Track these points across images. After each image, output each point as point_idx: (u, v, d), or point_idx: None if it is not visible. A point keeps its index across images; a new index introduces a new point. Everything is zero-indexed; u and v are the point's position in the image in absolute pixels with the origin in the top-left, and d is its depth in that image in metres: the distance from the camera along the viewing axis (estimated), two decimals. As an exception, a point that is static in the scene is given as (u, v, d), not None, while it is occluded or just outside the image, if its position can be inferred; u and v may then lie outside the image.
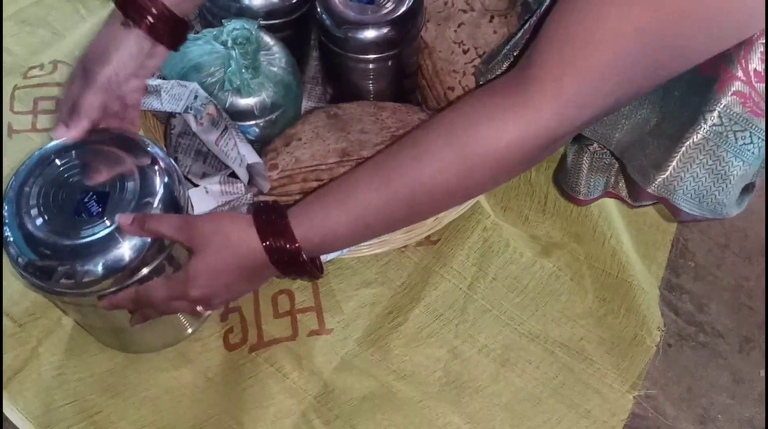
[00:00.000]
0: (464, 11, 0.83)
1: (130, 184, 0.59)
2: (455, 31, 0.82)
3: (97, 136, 0.62)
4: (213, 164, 0.73)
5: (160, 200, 0.59)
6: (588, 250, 0.82)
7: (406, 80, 0.84)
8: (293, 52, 0.78)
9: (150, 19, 0.59)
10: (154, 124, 0.78)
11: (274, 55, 0.74)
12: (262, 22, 0.74)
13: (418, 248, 0.80)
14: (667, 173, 0.57)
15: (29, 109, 0.90)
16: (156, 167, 0.61)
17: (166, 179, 0.60)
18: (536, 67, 0.49)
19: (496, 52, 0.75)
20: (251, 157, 0.68)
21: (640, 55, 0.46)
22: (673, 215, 0.61)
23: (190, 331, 0.74)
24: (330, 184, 0.57)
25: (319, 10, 0.76)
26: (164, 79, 0.70)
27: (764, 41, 0.49)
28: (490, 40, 0.80)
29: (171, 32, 0.62)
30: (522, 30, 0.67)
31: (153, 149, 0.62)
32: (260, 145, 0.74)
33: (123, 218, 0.57)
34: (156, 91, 0.68)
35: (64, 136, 0.61)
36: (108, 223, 0.57)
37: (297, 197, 0.73)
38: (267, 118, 0.73)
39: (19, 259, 0.57)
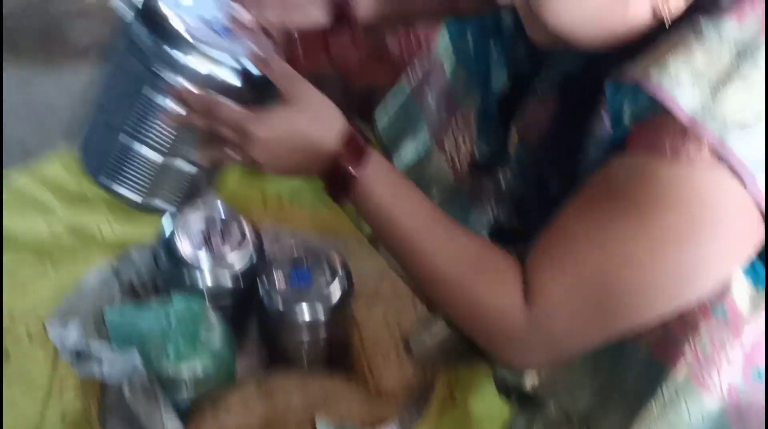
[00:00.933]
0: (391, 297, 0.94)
1: None
2: (382, 310, 0.92)
3: None
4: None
5: None
6: None
7: (337, 352, 0.92)
8: (235, 322, 0.86)
9: None
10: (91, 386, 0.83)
11: (213, 329, 0.82)
12: (208, 296, 0.83)
13: None
14: None
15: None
16: None
17: None
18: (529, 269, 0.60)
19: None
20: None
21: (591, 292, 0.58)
22: None
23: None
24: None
25: (261, 288, 0.85)
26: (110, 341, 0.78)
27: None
28: (413, 320, 0.90)
29: (338, 17, 0.78)
30: None
31: None
32: (190, 411, 0.79)
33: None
34: (97, 359, 0.74)
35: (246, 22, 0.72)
36: None
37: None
38: (198, 388, 0.79)
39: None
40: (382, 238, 0.68)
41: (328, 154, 0.64)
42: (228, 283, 0.87)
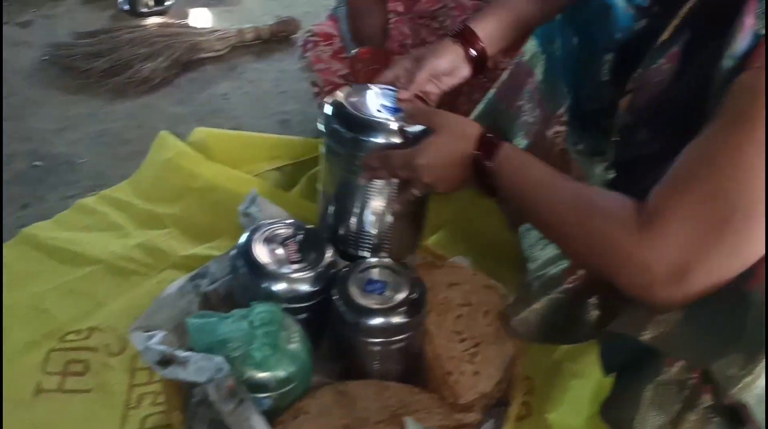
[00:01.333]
0: (462, 305, 0.93)
1: None
2: (454, 321, 0.92)
3: None
4: (225, 435, 0.77)
5: None
6: None
7: (411, 363, 0.92)
8: (311, 331, 0.87)
9: (472, 50, 0.91)
10: (175, 391, 0.84)
11: (293, 334, 0.83)
12: (285, 306, 0.84)
13: None
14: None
15: (59, 370, 0.97)
16: None
17: None
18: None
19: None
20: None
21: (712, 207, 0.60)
22: None
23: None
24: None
25: (336, 297, 0.86)
26: (192, 351, 0.79)
27: None
28: (485, 332, 0.90)
29: (478, 65, 0.93)
30: None
31: None
32: (271, 414, 0.79)
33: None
34: (184, 363, 0.76)
35: (406, 96, 0.89)
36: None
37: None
38: (280, 391, 0.79)
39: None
40: (525, 211, 0.79)
41: (469, 157, 0.78)
42: (303, 292, 0.88)
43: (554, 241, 0.80)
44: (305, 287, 0.87)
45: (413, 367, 0.92)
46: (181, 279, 0.94)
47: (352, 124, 0.86)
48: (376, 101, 0.90)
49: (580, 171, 0.97)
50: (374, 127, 0.85)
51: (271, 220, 0.94)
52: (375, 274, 0.89)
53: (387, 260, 0.91)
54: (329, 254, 0.91)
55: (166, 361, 0.77)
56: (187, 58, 1.76)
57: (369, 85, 0.94)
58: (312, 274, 0.88)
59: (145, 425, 0.91)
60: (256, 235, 0.90)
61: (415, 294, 0.87)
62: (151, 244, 1.17)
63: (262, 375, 0.78)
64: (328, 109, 0.89)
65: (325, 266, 0.89)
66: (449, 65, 0.93)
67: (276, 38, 1.92)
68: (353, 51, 1.33)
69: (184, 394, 0.83)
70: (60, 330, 1.03)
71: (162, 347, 0.77)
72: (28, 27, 1.93)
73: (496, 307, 0.92)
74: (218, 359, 0.75)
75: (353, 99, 0.89)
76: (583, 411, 0.93)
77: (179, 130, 1.39)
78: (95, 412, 0.92)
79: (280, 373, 0.78)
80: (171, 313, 0.90)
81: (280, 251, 0.89)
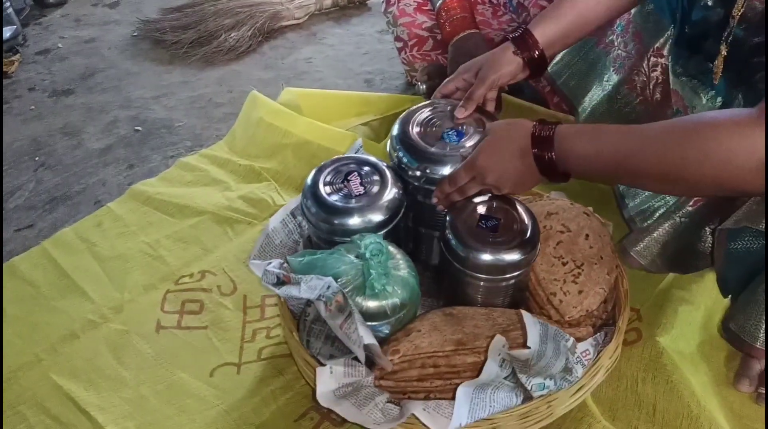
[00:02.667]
0: (561, 232, 0.93)
1: None
2: (554, 247, 0.91)
3: None
4: (339, 348, 0.80)
5: None
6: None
7: (517, 296, 0.92)
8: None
9: (529, 55, 0.93)
10: (290, 315, 0.88)
11: (399, 261, 0.85)
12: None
13: (527, 447, 0.82)
14: None
15: (177, 309, 1.03)
16: None
17: None
18: None
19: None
20: (368, 338, 0.75)
21: None
22: None
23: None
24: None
25: (447, 231, 0.84)
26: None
27: None
28: (587, 253, 0.89)
29: (536, 69, 0.95)
30: None
31: None
32: (385, 340, 0.81)
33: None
34: (297, 283, 0.79)
35: (464, 115, 0.91)
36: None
37: (415, 383, 0.79)
38: (396, 317, 0.81)
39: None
40: (614, 178, 0.81)
41: (528, 155, 0.79)
42: (373, 224, 0.86)
43: (658, 187, 0.78)
44: (378, 218, 0.86)
45: (519, 298, 0.92)
46: (281, 212, 0.96)
47: (419, 156, 0.88)
48: (439, 124, 0.91)
49: (682, 101, 0.96)
50: (440, 160, 0.87)
51: (334, 159, 0.93)
52: (489, 209, 0.86)
53: (502, 197, 0.87)
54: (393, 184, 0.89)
55: (281, 282, 0.80)
56: (270, 27, 1.81)
57: (432, 100, 0.97)
58: (378, 206, 0.86)
59: (262, 355, 0.95)
60: (322, 175, 0.90)
61: (528, 230, 0.84)
62: (253, 196, 1.22)
63: (379, 304, 0.79)
64: (395, 131, 0.91)
65: (390, 198, 0.88)
66: (508, 77, 0.95)
67: (352, 4, 1.95)
68: (439, 1, 1.34)
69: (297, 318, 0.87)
70: (174, 274, 1.09)
71: (278, 270, 0.81)
72: (116, 7, 2.02)
73: (597, 230, 0.91)
74: (327, 278, 0.78)
75: (417, 125, 0.91)
76: (694, 337, 0.92)
77: (267, 93, 1.43)
78: (214, 345, 0.97)
79: (395, 300, 0.80)
80: (281, 250, 0.94)
81: (344, 185, 0.88)
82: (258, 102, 1.40)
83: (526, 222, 0.84)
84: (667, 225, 0.89)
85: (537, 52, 0.94)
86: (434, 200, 0.87)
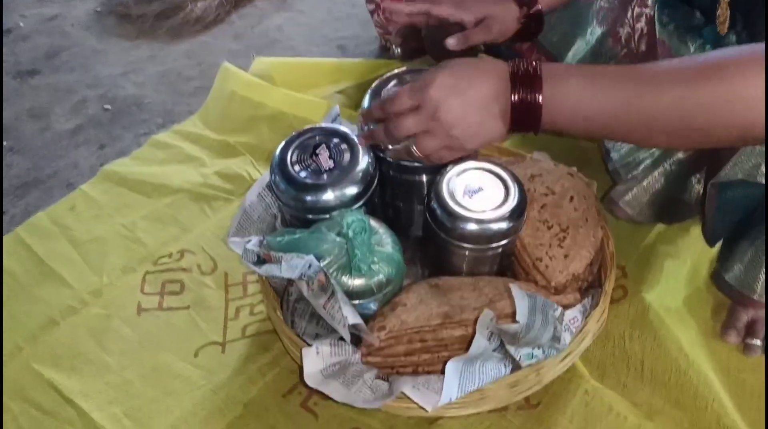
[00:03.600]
0: (545, 195, 0.92)
1: None
2: (539, 211, 0.90)
3: None
4: (325, 326, 0.79)
5: None
6: (692, 417, 0.81)
7: (504, 264, 0.89)
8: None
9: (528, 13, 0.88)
10: (272, 294, 0.86)
11: (382, 236, 0.82)
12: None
13: (519, 412, 0.82)
14: None
15: (157, 290, 1.01)
16: None
17: None
18: None
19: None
20: (353, 318, 0.73)
21: None
22: None
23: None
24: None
25: (431, 200, 0.81)
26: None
27: None
28: (573, 216, 0.88)
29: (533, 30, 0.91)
30: None
31: None
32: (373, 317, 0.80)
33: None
34: (278, 261, 0.77)
35: (457, 47, 0.85)
36: None
37: (403, 358, 0.78)
38: (383, 293, 0.80)
39: None
40: (601, 132, 0.67)
41: (501, 93, 0.64)
42: (351, 195, 0.82)
43: (665, 139, 0.65)
44: (350, 190, 0.82)
45: (505, 266, 0.91)
46: (256, 186, 0.94)
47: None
48: None
49: (669, 52, 0.93)
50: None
51: (300, 131, 0.89)
52: (474, 177, 0.82)
53: (486, 163, 0.84)
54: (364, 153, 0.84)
55: (262, 261, 0.78)
56: (238, -6, 1.76)
57: (399, 70, 0.89)
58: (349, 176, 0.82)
59: (246, 332, 0.94)
60: (288, 151, 0.85)
61: (516, 197, 0.81)
62: (229, 171, 1.19)
63: (365, 282, 0.78)
64: (365, 103, 0.85)
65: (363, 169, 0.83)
66: (508, 35, 0.89)
67: (323, -32, 1.89)
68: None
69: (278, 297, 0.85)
70: (152, 255, 1.06)
71: (258, 248, 0.79)
72: (79, -19, 1.95)
73: (581, 192, 0.90)
74: (308, 256, 0.76)
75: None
76: (680, 291, 0.92)
77: (238, 64, 1.39)
78: (197, 325, 0.96)
79: (381, 277, 0.78)
80: (260, 225, 0.92)
81: (313, 160, 0.84)
82: (230, 74, 1.36)
83: (513, 188, 0.82)
84: (656, 173, 0.87)
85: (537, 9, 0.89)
86: (359, 122, 0.80)
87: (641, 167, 0.91)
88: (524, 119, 0.65)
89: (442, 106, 0.66)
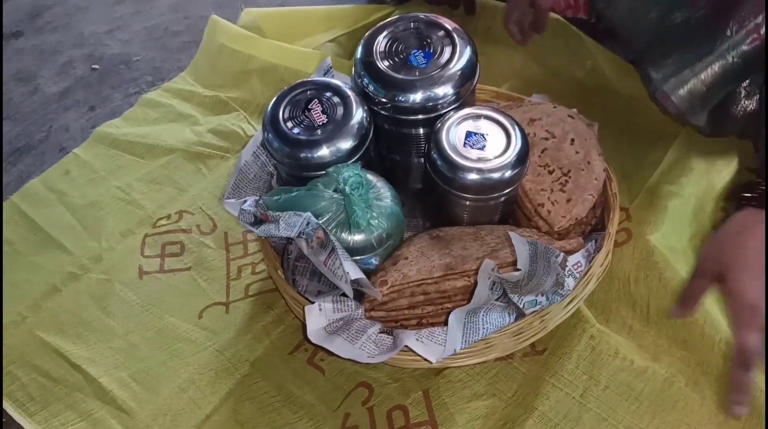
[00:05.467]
0: (546, 139, 0.90)
1: None
2: (539, 156, 0.88)
3: None
4: (326, 283, 0.78)
5: None
6: (699, 356, 0.81)
7: (506, 211, 0.88)
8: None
9: None
10: (273, 253, 0.85)
11: (380, 190, 0.80)
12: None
13: (525, 359, 0.82)
14: None
15: (157, 253, 1.00)
16: None
17: None
18: None
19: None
20: (354, 273, 0.72)
21: None
22: None
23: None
24: None
25: (432, 152, 0.79)
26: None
27: None
28: (574, 159, 0.86)
29: None
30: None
31: None
32: (375, 272, 0.79)
33: None
34: (275, 220, 0.76)
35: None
36: None
37: (406, 312, 0.78)
38: (384, 247, 0.79)
39: None
40: None
41: None
42: (345, 149, 0.80)
43: None
44: (344, 145, 0.80)
45: (507, 214, 0.90)
46: (251, 144, 0.92)
47: (385, 84, 0.80)
48: (404, 47, 0.82)
49: None
50: (408, 87, 0.79)
51: (291, 85, 0.86)
52: (474, 125, 0.80)
53: (486, 110, 0.81)
54: (358, 105, 0.82)
55: (259, 221, 0.77)
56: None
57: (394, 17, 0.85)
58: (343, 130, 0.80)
59: (249, 292, 0.93)
60: (280, 107, 0.83)
61: (517, 145, 0.78)
62: (223, 128, 1.17)
63: (365, 238, 0.76)
64: (358, 54, 0.82)
65: (357, 123, 0.81)
66: None
67: None
68: None
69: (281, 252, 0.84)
70: (150, 217, 1.05)
71: (254, 208, 0.77)
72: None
73: (582, 134, 0.88)
74: (306, 214, 0.74)
75: (381, 47, 0.82)
76: (684, 231, 0.91)
77: (226, 15, 1.35)
78: (199, 286, 0.95)
79: (381, 232, 0.77)
80: (256, 184, 0.91)
81: (305, 116, 0.81)
82: (218, 27, 1.32)
83: (514, 135, 0.79)
84: (717, 66, 0.84)
85: None
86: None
87: (700, 64, 0.88)
88: None
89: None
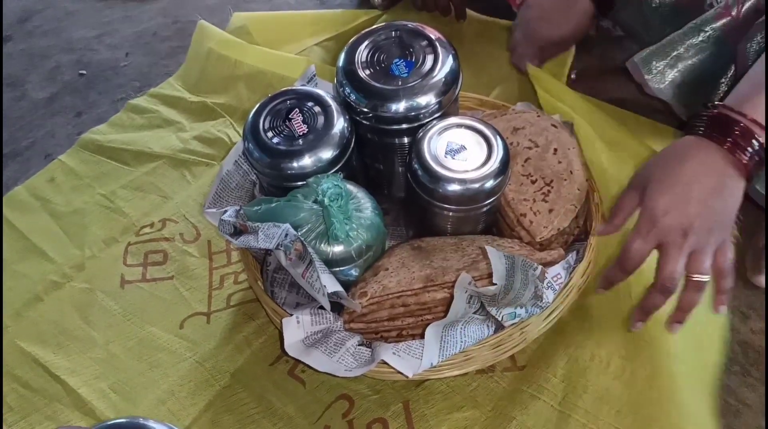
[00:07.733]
0: (529, 148, 0.89)
1: None
2: (522, 165, 0.88)
3: None
4: (305, 295, 0.78)
5: None
6: (675, 350, 0.80)
7: (488, 221, 0.87)
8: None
9: None
10: (253, 263, 0.85)
11: (360, 200, 0.80)
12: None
13: (505, 374, 0.81)
14: None
15: (140, 261, 0.99)
16: None
17: None
18: None
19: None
20: (332, 286, 0.72)
21: None
22: None
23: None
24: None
25: (413, 163, 0.78)
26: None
27: None
28: (557, 169, 0.86)
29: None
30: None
31: None
32: (355, 283, 0.79)
33: None
34: (254, 232, 0.75)
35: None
36: None
37: (386, 323, 0.77)
38: (364, 258, 0.78)
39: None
40: None
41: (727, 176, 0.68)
42: (326, 159, 0.79)
43: None
44: (325, 154, 0.79)
45: (491, 223, 0.89)
46: (232, 153, 0.91)
47: (367, 94, 0.80)
48: (386, 56, 0.82)
49: None
50: (389, 96, 0.79)
51: (272, 95, 0.85)
52: (456, 135, 0.79)
53: (468, 120, 0.81)
54: (339, 115, 0.81)
55: (238, 232, 0.76)
56: (212, -53, 1.69)
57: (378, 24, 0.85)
58: (324, 140, 0.79)
59: (231, 302, 0.93)
60: (261, 117, 0.82)
61: (499, 155, 0.78)
62: (209, 135, 1.16)
63: (345, 250, 0.76)
64: (340, 62, 0.82)
65: (338, 132, 0.80)
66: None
67: None
68: None
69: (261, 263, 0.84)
70: (134, 225, 1.05)
71: (234, 219, 0.77)
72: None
73: (565, 143, 0.88)
74: (285, 225, 0.74)
75: (363, 56, 0.82)
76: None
77: (216, 21, 1.34)
78: (182, 295, 0.95)
79: (360, 244, 0.76)
80: (238, 193, 0.90)
81: (286, 126, 0.80)
82: (206, 32, 1.32)
83: (496, 146, 0.78)
84: (687, 39, 0.88)
85: None
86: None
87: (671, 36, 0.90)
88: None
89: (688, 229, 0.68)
